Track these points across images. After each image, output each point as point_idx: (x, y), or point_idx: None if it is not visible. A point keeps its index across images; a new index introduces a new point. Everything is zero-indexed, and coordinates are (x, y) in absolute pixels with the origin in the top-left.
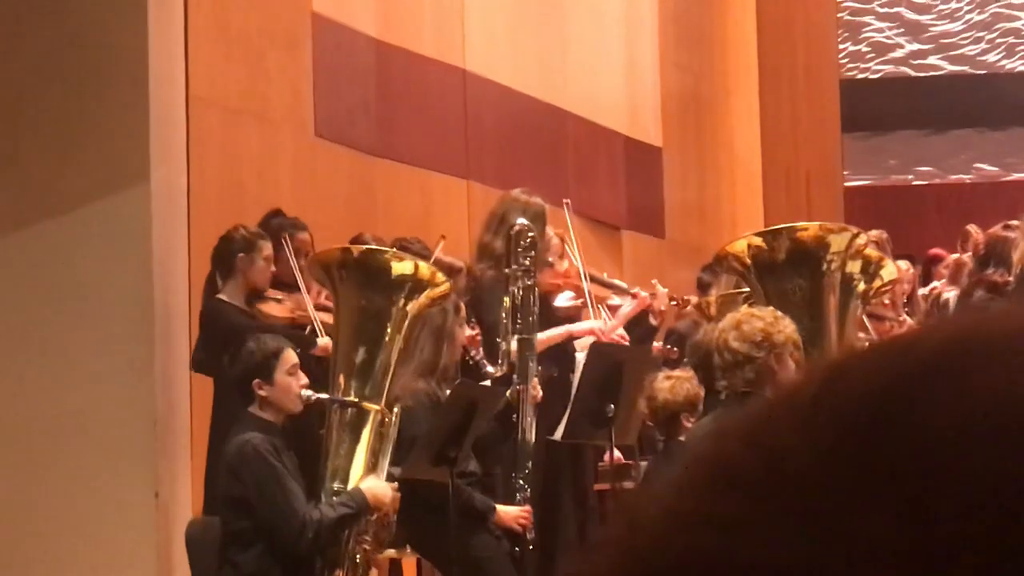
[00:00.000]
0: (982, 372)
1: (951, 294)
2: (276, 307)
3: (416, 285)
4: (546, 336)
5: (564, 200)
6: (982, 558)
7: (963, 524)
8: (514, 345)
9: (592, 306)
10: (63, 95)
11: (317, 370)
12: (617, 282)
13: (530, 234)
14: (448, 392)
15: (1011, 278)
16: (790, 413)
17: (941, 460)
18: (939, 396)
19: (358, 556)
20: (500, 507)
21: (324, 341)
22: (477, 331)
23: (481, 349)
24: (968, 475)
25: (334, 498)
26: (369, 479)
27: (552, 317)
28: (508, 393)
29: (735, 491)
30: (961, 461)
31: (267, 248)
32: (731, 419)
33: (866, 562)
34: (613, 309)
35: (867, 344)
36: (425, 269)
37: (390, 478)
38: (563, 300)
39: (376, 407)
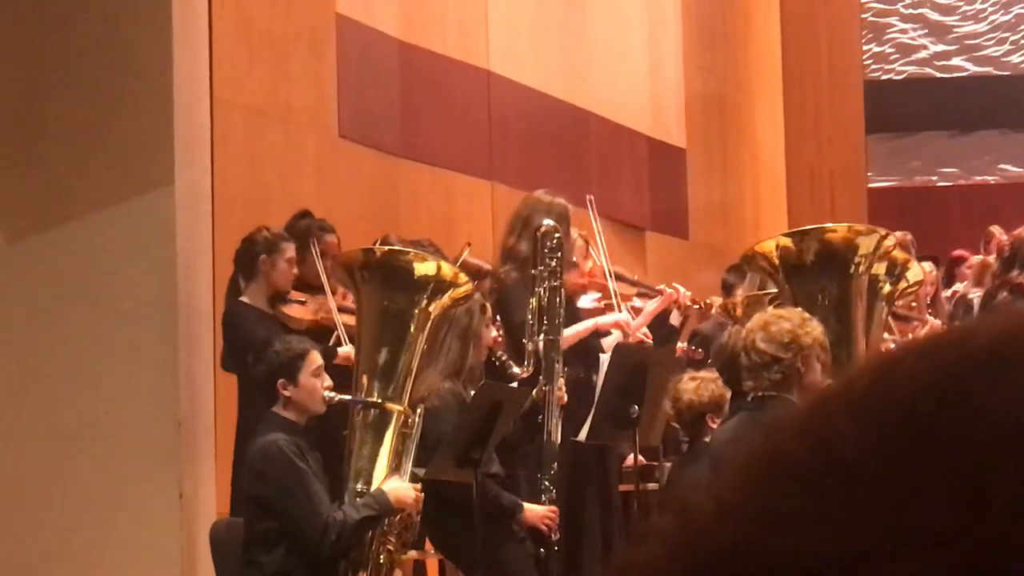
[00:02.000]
0: None
1: (975, 295)
2: (299, 309)
3: (439, 286)
4: (573, 331)
5: (588, 196)
6: None
7: (1018, 516)
8: (540, 346)
9: (618, 306)
10: (87, 97)
11: (340, 371)
12: (641, 280)
13: (556, 235)
14: (472, 393)
15: None
16: (844, 405)
17: (996, 452)
18: (994, 389)
19: (381, 557)
20: (527, 505)
21: (345, 350)
22: (501, 333)
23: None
24: (1017, 467)
25: (357, 499)
26: (392, 480)
27: (577, 318)
28: (534, 394)
29: (789, 483)
30: (1016, 453)
31: (290, 250)
32: (783, 412)
33: (921, 552)
34: (637, 310)
35: (914, 340)
36: (447, 269)
37: (414, 479)
38: (587, 301)
39: (399, 408)
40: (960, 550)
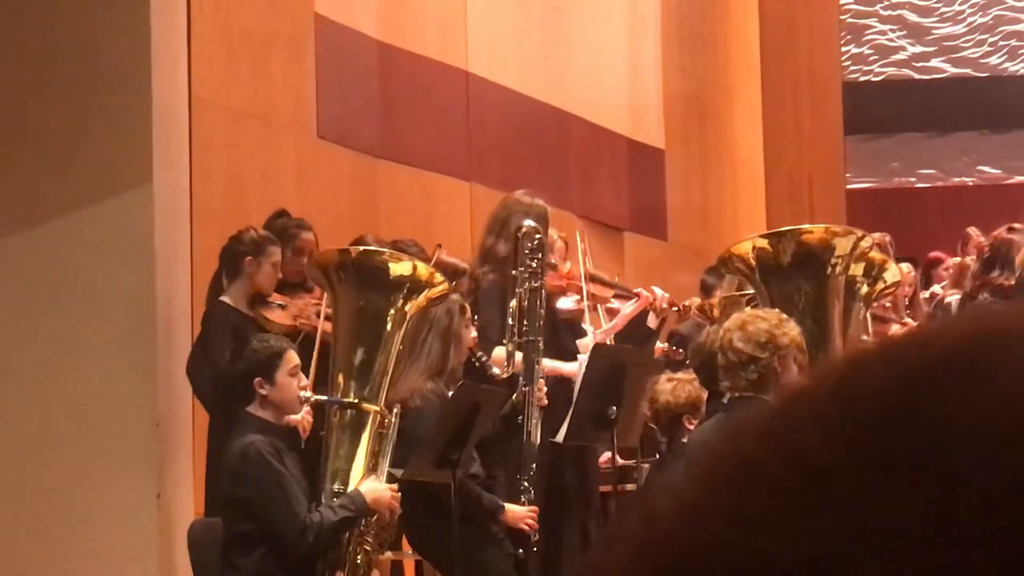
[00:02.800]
0: (998, 368)
1: (953, 297)
2: (278, 313)
3: (414, 286)
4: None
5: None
6: (1006, 551)
7: (985, 517)
8: (518, 352)
9: (591, 309)
10: (66, 97)
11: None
12: (619, 282)
13: (537, 236)
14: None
15: (1014, 281)
16: (807, 408)
17: (959, 455)
18: (958, 391)
19: (359, 558)
20: (508, 506)
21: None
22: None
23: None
24: (986, 470)
25: (334, 500)
26: (369, 481)
27: (554, 319)
28: (514, 396)
29: (753, 485)
30: (979, 456)
31: (276, 254)
32: (748, 414)
33: (889, 555)
34: (613, 313)
35: (879, 341)
36: (423, 269)
37: (391, 479)
38: (566, 303)
39: (375, 408)
40: (928, 554)
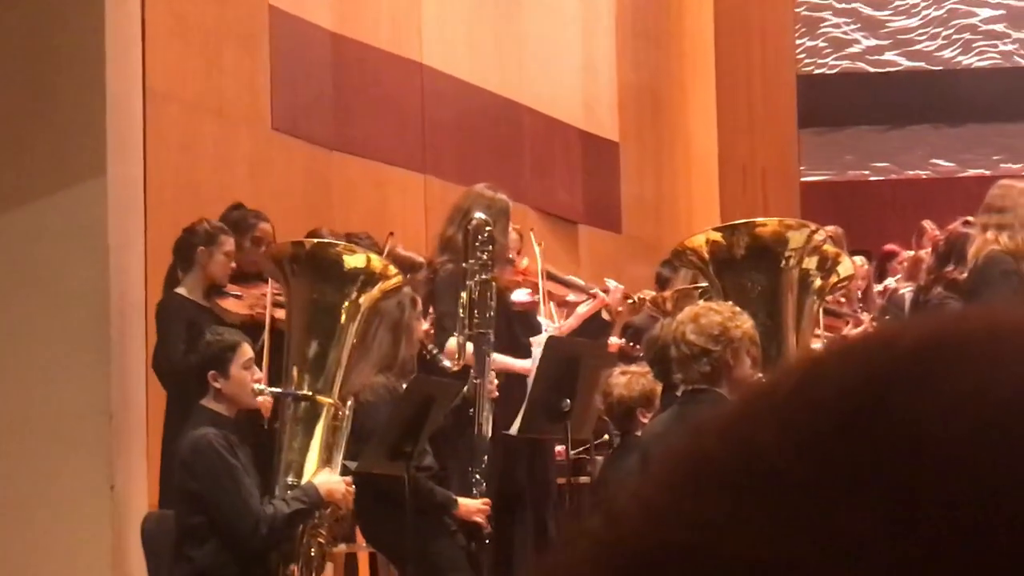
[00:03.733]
0: (958, 371)
1: (907, 290)
2: (234, 303)
3: (368, 278)
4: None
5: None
6: (965, 554)
7: (946, 522)
8: (469, 342)
9: (546, 303)
10: (19, 88)
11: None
12: (575, 280)
13: (487, 228)
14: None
15: (967, 274)
16: (767, 409)
17: (919, 458)
18: (917, 394)
19: (313, 550)
20: (461, 500)
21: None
22: (430, 324)
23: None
24: (946, 474)
25: (288, 493)
26: (322, 473)
27: (508, 313)
28: (465, 388)
29: (712, 487)
30: (939, 460)
31: (228, 243)
32: (709, 414)
33: (848, 558)
34: (569, 307)
35: (841, 341)
36: (377, 262)
37: (345, 472)
38: (519, 296)
39: (329, 401)
40: (886, 558)
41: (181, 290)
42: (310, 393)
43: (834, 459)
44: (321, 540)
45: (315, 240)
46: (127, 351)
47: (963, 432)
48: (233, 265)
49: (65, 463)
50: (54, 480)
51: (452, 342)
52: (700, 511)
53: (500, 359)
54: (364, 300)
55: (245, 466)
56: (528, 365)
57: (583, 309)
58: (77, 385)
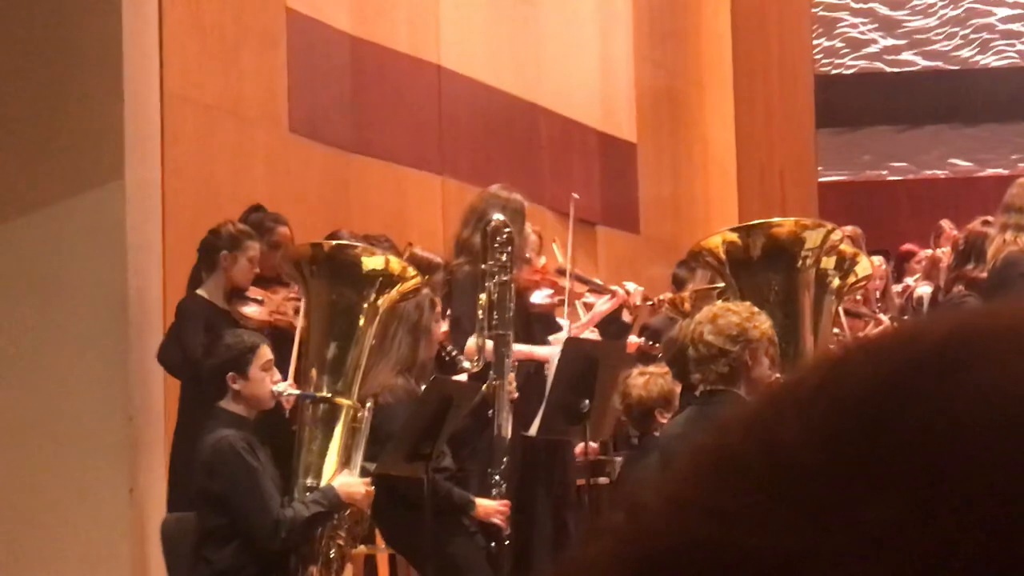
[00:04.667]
0: (983, 366)
1: (924, 290)
2: (255, 309)
3: (387, 280)
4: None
5: (572, 195)
6: (985, 548)
7: (966, 514)
8: (489, 343)
9: (568, 303)
10: (38, 92)
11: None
12: (594, 279)
13: (506, 230)
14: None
15: (986, 273)
16: (791, 405)
17: (941, 452)
18: (940, 389)
19: (332, 552)
20: (479, 500)
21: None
22: (448, 326)
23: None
24: (968, 467)
25: (307, 495)
26: (341, 475)
27: (527, 314)
28: (484, 388)
29: (737, 481)
30: (961, 454)
31: (253, 248)
32: (732, 410)
33: (869, 551)
34: (588, 306)
35: (865, 338)
36: (395, 263)
37: (364, 473)
38: (539, 297)
39: (348, 402)
40: (907, 552)
41: (202, 292)
42: (329, 395)
43: (858, 453)
44: (340, 542)
45: (333, 242)
46: (146, 353)
47: (985, 427)
48: (256, 270)
49: (85, 466)
50: (74, 483)
51: (471, 343)
52: (724, 505)
53: (522, 348)
54: (383, 302)
55: (265, 467)
56: (548, 352)
57: (603, 307)
58: (96, 387)
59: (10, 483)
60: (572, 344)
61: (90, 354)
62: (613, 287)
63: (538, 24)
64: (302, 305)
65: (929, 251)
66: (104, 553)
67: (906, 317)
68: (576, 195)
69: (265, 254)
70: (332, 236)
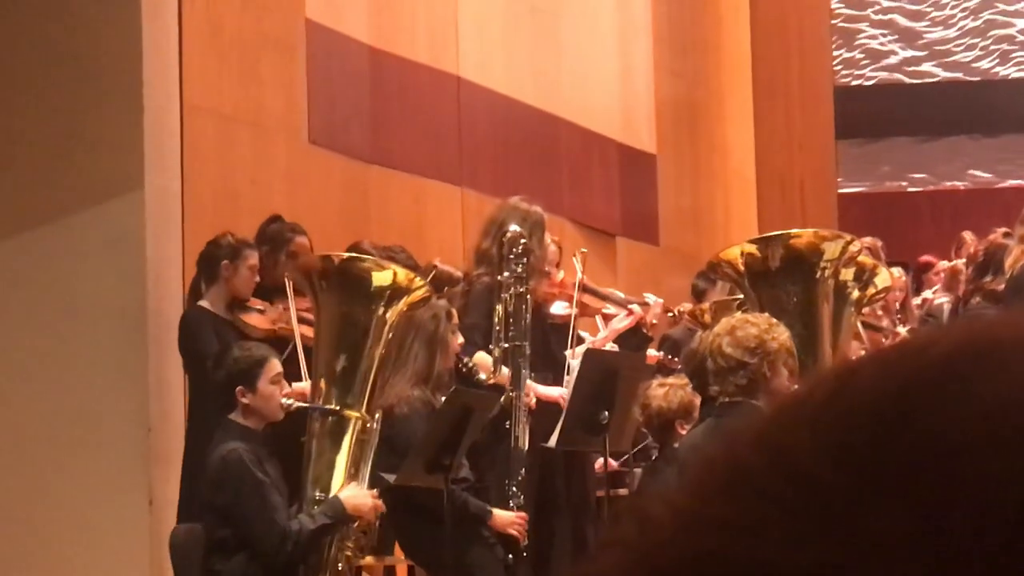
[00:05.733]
0: (991, 378)
1: (944, 301)
2: (257, 318)
3: (395, 292)
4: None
5: (580, 250)
6: (996, 559)
7: (977, 525)
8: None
9: (586, 316)
10: (58, 102)
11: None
12: (613, 292)
13: (522, 241)
14: (443, 399)
15: (1004, 285)
16: (801, 417)
17: (952, 463)
18: (948, 401)
19: (340, 563)
20: (496, 511)
21: (301, 386)
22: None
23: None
24: (978, 478)
25: (314, 508)
26: (349, 488)
27: (545, 325)
28: (501, 400)
29: (747, 493)
30: (971, 465)
31: (252, 257)
32: (743, 422)
33: (881, 562)
34: (607, 319)
35: (876, 350)
36: (403, 275)
37: (383, 484)
38: (558, 309)
39: (356, 415)
40: (919, 562)
41: (204, 303)
42: (337, 407)
43: (867, 466)
44: (348, 553)
45: (344, 255)
46: (165, 364)
47: (994, 439)
48: (257, 279)
49: (104, 477)
50: (93, 494)
51: (480, 354)
52: (734, 517)
53: (532, 386)
54: (391, 315)
55: (274, 480)
56: (557, 394)
57: (620, 324)
58: (115, 399)
59: (29, 493)
60: (592, 356)
61: (109, 365)
62: (632, 305)
63: (558, 35)
64: (294, 316)
65: (947, 262)
66: (123, 564)
67: (925, 329)
68: (584, 250)
69: (282, 264)
70: (353, 247)
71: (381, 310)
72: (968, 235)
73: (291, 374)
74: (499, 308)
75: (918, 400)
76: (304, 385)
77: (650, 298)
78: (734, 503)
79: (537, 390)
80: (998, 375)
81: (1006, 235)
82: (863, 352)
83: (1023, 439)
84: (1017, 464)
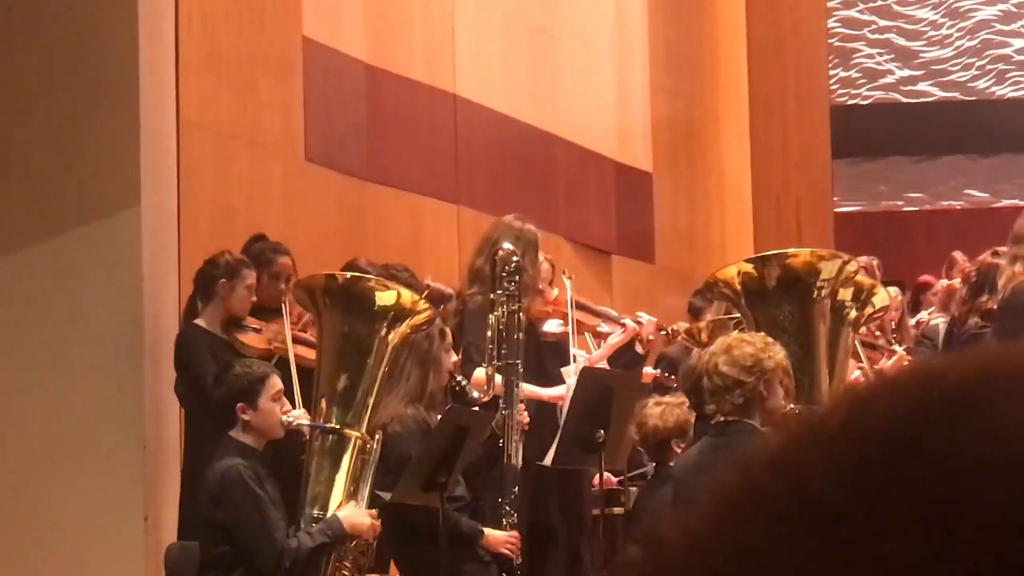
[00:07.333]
0: (1003, 407)
1: (941, 321)
2: (253, 337)
3: (399, 313)
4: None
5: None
6: None
7: (988, 553)
8: (498, 374)
9: (579, 334)
10: (55, 119)
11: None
12: (606, 310)
13: (515, 259)
14: (438, 417)
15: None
16: (815, 442)
17: (964, 490)
18: (961, 428)
19: None
20: (488, 531)
21: (297, 413)
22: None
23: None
24: (987, 505)
25: (312, 526)
26: (347, 507)
27: (538, 344)
28: (494, 422)
29: (760, 517)
30: (984, 492)
31: (250, 277)
32: (755, 447)
33: None
34: (601, 336)
35: (888, 375)
36: (408, 297)
37: (378, 502)
38: (551, 327)
39: (356, 434)
40: None
41: (200, 322)
42: (337, 426)
43: (881, 492)
44: (346, 572)
45: (348, 274)
46: (161, 381)
47: (1006, 467)
48: (254, 299)
49: (100, 493)
50: (89, 510)
51: (480, 373)
52: (747, 541)
53: (529, 388)
54: (394, 336)
55: (272, 498)
56: (556, 393)
57: (614, 340)
58: (111, 415)
59: (25, 509)
60: (587, 374)
61: (106, 382)
62: (625, 320)
63: (554, 53)
64: (288, 336)
65: (945, 282)
66: None
67: (921, 349)
68: (569, 272)
69: (265, 285)
70: (350, 264)
71: (384, 330)
72: (959, 255)
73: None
74: (492, 326)
75: (931, 428)
76: (298, 413)
77: (643, 316)
78: (748, 527)
79: (539, 393)
80: (1010, 404)
81: (995, 254)
82: (860, 371)
83: None
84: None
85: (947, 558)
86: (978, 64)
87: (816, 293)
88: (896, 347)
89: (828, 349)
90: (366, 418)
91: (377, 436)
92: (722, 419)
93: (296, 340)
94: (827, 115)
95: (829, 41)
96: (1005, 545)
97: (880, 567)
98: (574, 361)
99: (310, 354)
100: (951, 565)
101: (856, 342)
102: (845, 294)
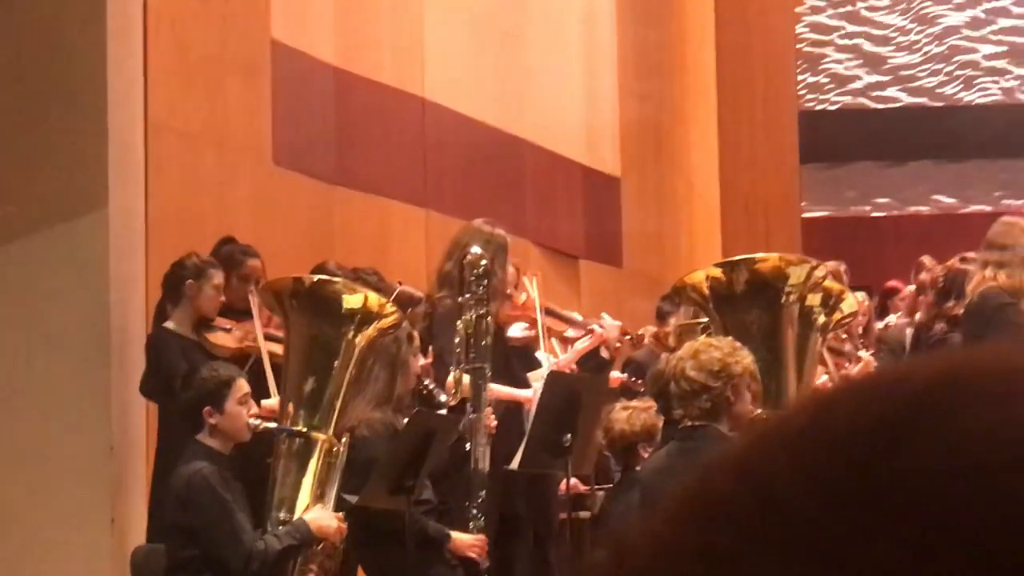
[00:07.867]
0: (970, 409)
1: (905, 323)
2: (223, 337)
3: (366, 317)
4: (564, 361)
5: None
6: None
7: (960, 557)
8: (466, 377)
9: (546, 338)
10: (22, 120)
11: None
12: (573, 315)
13: (483, 263)
14: (405, 421)
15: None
16: (780, 446)
17: (935, 493)
18: (929, 432)
19: None
20: (455, 534)
21: (269, 403)
22: (430, 360)
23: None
24: (960, 510)
25: (280, 528)
26: (314, 510)
27: (505, 348)
28: (460, 425)
29: (725, 523)
30: (954, 494)
31: (217, 276)
32: (719, 451)
33: None
34: (567, 341)
35: (852, 379)
36: (375, 300)
37: (345, 506)
38: (516, 331)
39: (323, 436)
40: None
41: (170, 324)
42: (304, 429)
43: (848, 496)
44: (311, 575)
45: (315, 277)
46: (128, 384)
47: (975, 470)
48: (222, 299)
49: (66, 496)
50: (56, 512)
51: (449, 376)
52: (714, 546)
53: (501, 389)
54: (361, 339)
55: (238, 502)
56: (527, 395)
57: (581, 345)
58: (78, 418)
59: None
60: (554, 378)
61: (72, 384)
62: (592, 325)
63: (523, 57)
64: (259, 334)
65: (912, 287)
66: None
67: (882, 354)
68: (536, 274)
69: (234, 287)
70: (319, 268)
71: (351, 333)
72: (927, 259)
73: (259, 392)
74: (460, 330)
75: (899, 431)
76: (272, 402)
77: (607, 319)
78: (714, 532)
79: (513, 393)
80: (977, 405)
81: (963, 260)
82: (827, 376)
83: (1002, 468)
84: (998, 493)
85: (919, 564)
86: (946, 70)
87: (784, 298)
88: (863, 352)
89: (796, 354)
90: (333, 421)
91: (344, 439)
92: (689, 424)
93: (268, 337)
94: (795, 120)
95: (797, 46)
96: (978, 550)
97: (847, 569)
98: (544, 364)
99: (283, 350)
100: (921, 567)
101: (823, 348)
102: (814, 299)
